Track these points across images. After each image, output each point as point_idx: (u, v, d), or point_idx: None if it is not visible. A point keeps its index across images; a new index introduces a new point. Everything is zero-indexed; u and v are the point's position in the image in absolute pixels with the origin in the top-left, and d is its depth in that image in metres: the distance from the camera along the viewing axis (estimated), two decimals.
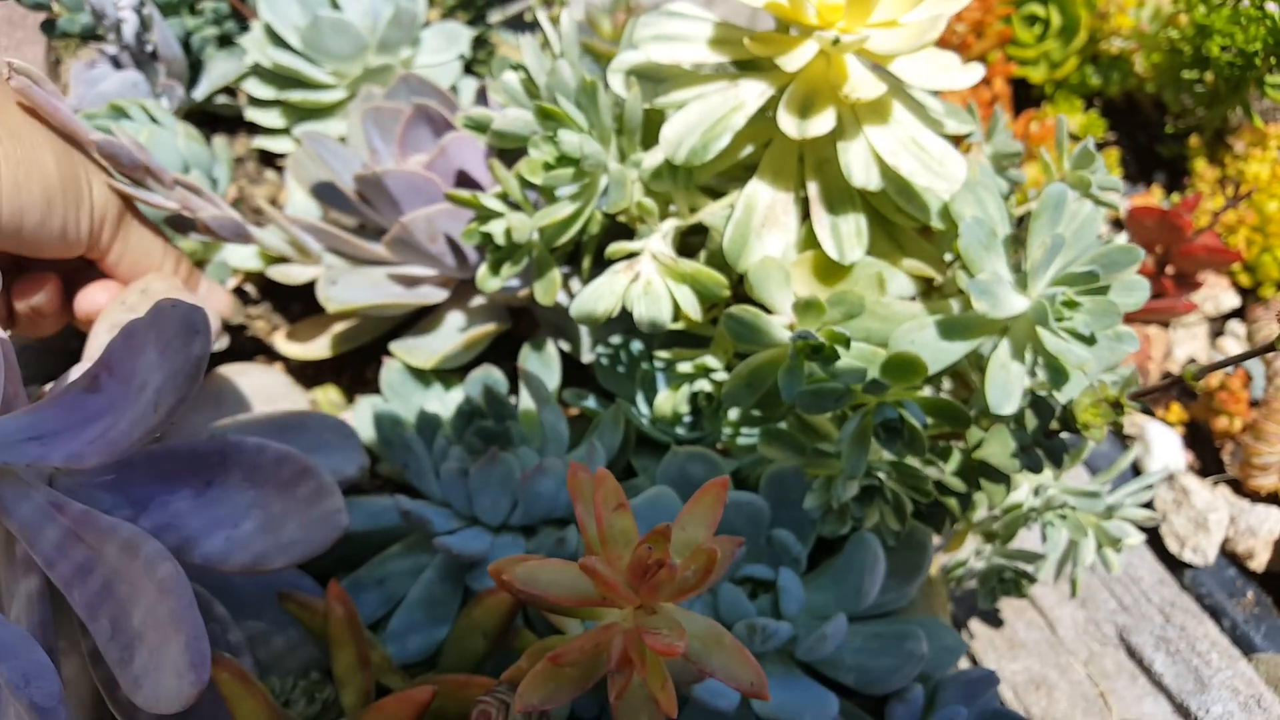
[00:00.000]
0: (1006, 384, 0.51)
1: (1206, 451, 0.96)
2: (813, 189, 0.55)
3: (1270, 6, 1.06)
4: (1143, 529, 0.82)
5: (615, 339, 0.68)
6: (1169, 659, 0.79)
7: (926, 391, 0.56)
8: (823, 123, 0.52)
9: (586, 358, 0.69)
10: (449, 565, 0.57)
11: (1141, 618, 0.81)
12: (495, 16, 1.00)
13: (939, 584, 0.64)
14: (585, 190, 0.58)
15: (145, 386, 0.42)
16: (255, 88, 0.85)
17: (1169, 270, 0.97)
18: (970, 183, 0.54)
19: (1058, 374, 0.52)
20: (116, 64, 0.81)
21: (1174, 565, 0.87)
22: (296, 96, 0.83)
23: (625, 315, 0.65)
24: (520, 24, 1.03)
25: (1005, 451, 0.55)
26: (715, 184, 0.60)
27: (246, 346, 0.75)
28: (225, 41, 0.90)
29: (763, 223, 0.55)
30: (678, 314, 0.56)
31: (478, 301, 0.70)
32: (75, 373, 0.50)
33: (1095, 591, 0.83)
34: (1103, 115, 1.18)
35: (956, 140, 0.60)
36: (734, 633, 0.52)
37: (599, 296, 0.56)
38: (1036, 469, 0.55)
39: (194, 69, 0.88)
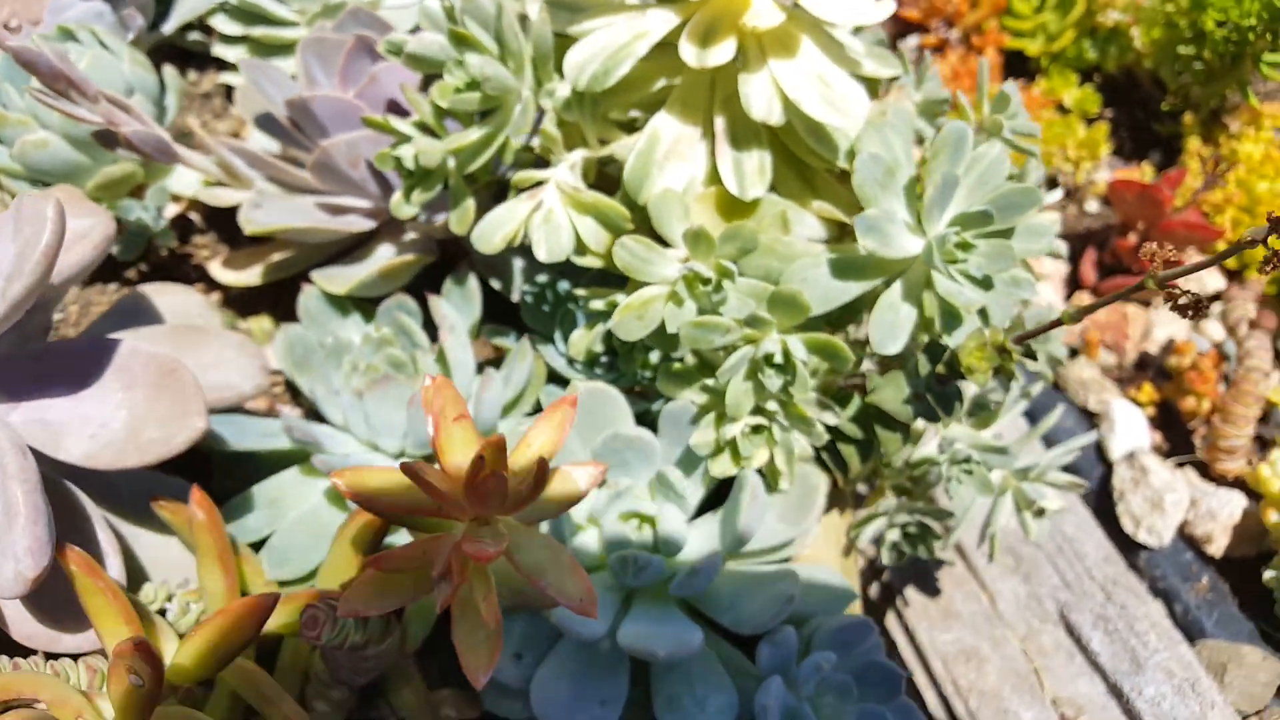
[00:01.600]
0: (894, 325, 0.50)
1: (1178, 433, 0.94)
2: (719, 123, 0.55)
3: None
4: (1096, 505, 0.80)
5: (542, 277, 0.68)
6: (1106, 638, 0.77)
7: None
8: (722, 52, 0.51)
9: (516, 296, 0.68)
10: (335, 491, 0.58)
11: (1083, 595, 0.80)
12: None
13: (840, 533, 0.63)
14: (498, 117, 0.57)
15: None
16: (223, 24, 0.85)
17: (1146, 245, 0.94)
18: (878, 123, 0.53)
19: (950, 318, 0.51)
20: None
21: (1127, 545, 0.85)
22: (260, 32, 0.83)
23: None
24: None
25: (898, 397, 0.54)
26: (631, 119, 0.60)
27: (190, 274, 0.76)
28: None
29: (666, 155, 0.54)
30: (580, 245, 0.56)
31: (410, 236, 0.70)
32: None
33: (1039, 566, 0.81)
34: (1100, 90, 1.15)
35: (876, 84, 0.58)
36: (609, 563, 0.52)
37: (499, 224, 0.55)
38: (930, 417, 0.54)
39: (164, 3, 0.88)
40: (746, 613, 0.51)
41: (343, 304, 0.65)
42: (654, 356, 0.62)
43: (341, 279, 0.64)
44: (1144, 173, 1.08)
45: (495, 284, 0.69)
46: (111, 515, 0.53)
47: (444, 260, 0.71)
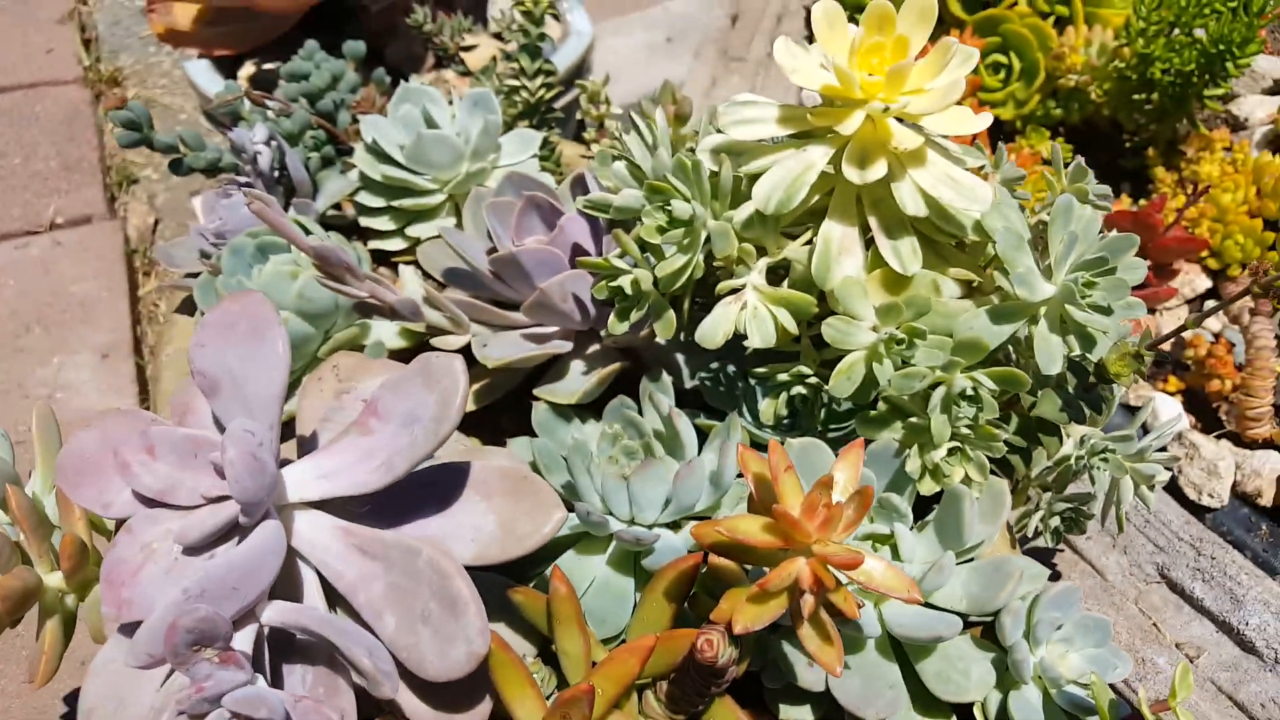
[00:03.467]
0: (1050, 351, 0.66)
1: (1204, 413, 1.11)
2: (873, 222, 0.70)
3: (1198, 32, 1.23)
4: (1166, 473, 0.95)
5: (714, 365, 0.82)
6: (1206, 585, 0.92)
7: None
8: (878, 170, 0.66)
9: (688, 384, 0.82)
10: (620, 557, 0.70)
11: (1177, 554, 0.95)
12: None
13: (1007, 532, 0.77)
14: (690, 245, 0.72)
15: (416, 420, 0.55)
16: (366, 198, 0.99)
17: (1148, 264, 1.12)
18: (995, 203, 0.69)
19: (1086, 340, 0.67)
20: None
21: (1195, 511, 1.00)
22: (408, 203, 0.97)
23: (718, 349, 0.81)
24: (567, 124, 1.18)
25: (1055, 407, 0.69)
26: (790, 230, 0.75)
27: None
28: (327, 163, 1.05)
29: (838, 252, 0.69)
30: (779, 331, 0.70)
31: (593, 349, 0.84)
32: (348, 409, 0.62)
33: (1133, 538, 0.96)
34: (1067, 140, 1.35)
35: (974, 172, 0.75)
36: None
37: (717, 324, 0.70)
38: (1080, 419, 0.69)
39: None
40: (984, 598, 0.65)
41: (565, 413, 0.79)
42: (822, 413, 0.77)
43: (565, 391, 0.78)
44: (1125, 202, 1.27)
45: (668, 378, 0.83)
46: None
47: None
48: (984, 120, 0.69)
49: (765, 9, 1.85)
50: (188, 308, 0.98)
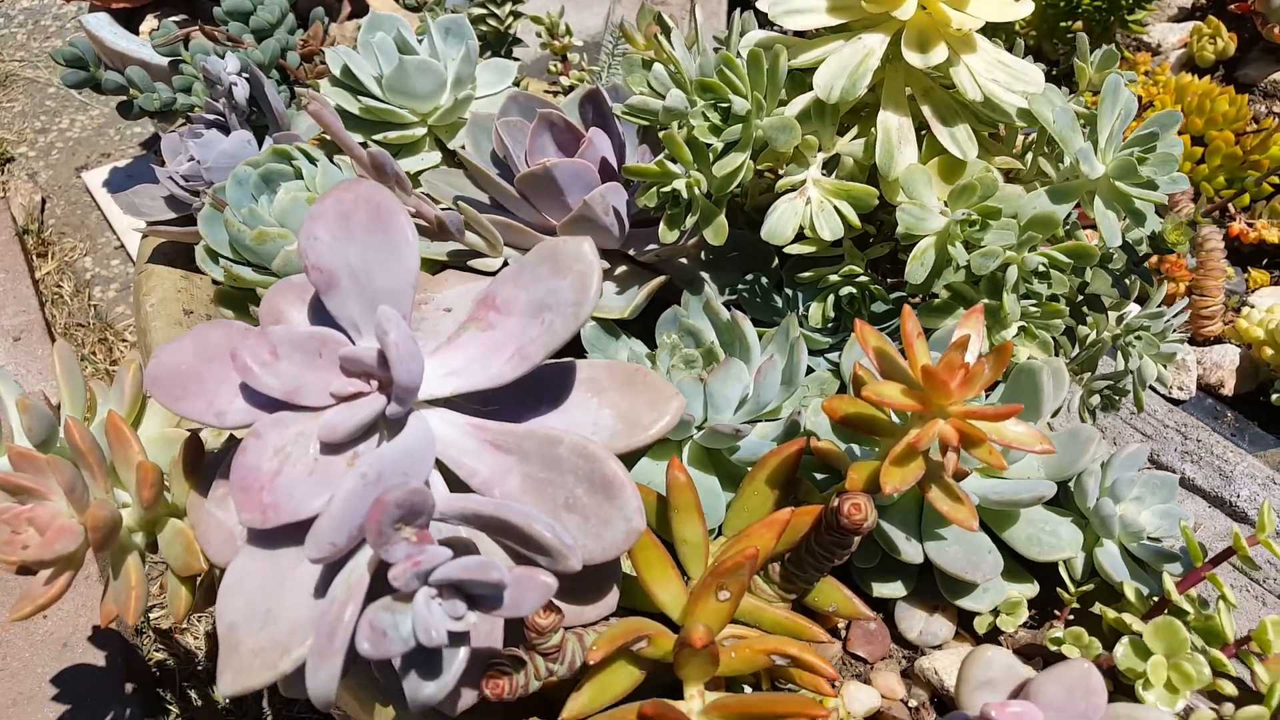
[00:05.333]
0: (1110, 225, 0.68)
1: None
2: (926, 110, 0.71)
3: None
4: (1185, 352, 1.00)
5: (748, 277, 0.82)
6: (1195, 466, 0.97)
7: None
8: (939, 54, 0.67)
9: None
10: (698, 457, 0.70)
11: (1165, 441, 1.00)
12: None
13: None
14: (744, 143, 0.71)
15: (546, 308, 0.52)
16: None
17: None
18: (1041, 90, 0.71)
19: (1137, 215, 0.69)
20: (223, 129, 0.89)
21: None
22: (391, 135, 0.92)
23: (740, 260, 0.81)
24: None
25: (1107, 283, 0.72)
26: (839, 125, 0.75)
27: None
28: (287, 103, 0.99)
29: (898, 141, 0.70)
30: (844, 223, 0.70)
31: (621, 269, 0.83)
32: (433, 320, 0.59)
33: (1121, 430, 1.01)
34: None
35: None
36: None
37: (784, 220, 0.69)
38: (1127, 295, 0.72)
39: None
40: (1065, 462, 0.67)
41: (613, 329, 0.77)
42: (866, 314, 0.78)
43: (614, 307, 0.76)
44: None
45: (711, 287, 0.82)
46: None
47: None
48: (1025, 6, 0.71)
49: None
50: (161, 256, 0.91)
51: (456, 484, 0.53)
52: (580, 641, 0.55)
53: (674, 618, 0.57)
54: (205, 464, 0.60)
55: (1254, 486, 0.95)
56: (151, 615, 1.23)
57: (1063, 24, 1.34)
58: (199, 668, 1.20)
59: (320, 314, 0.52)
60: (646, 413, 0.57)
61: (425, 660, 0.45)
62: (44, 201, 1.66)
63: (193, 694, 1.17)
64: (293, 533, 0.47)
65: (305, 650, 0.45)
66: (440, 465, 0.53)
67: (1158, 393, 1.08)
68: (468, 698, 0.52)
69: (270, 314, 0.53)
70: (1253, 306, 1.11)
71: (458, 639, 0.43)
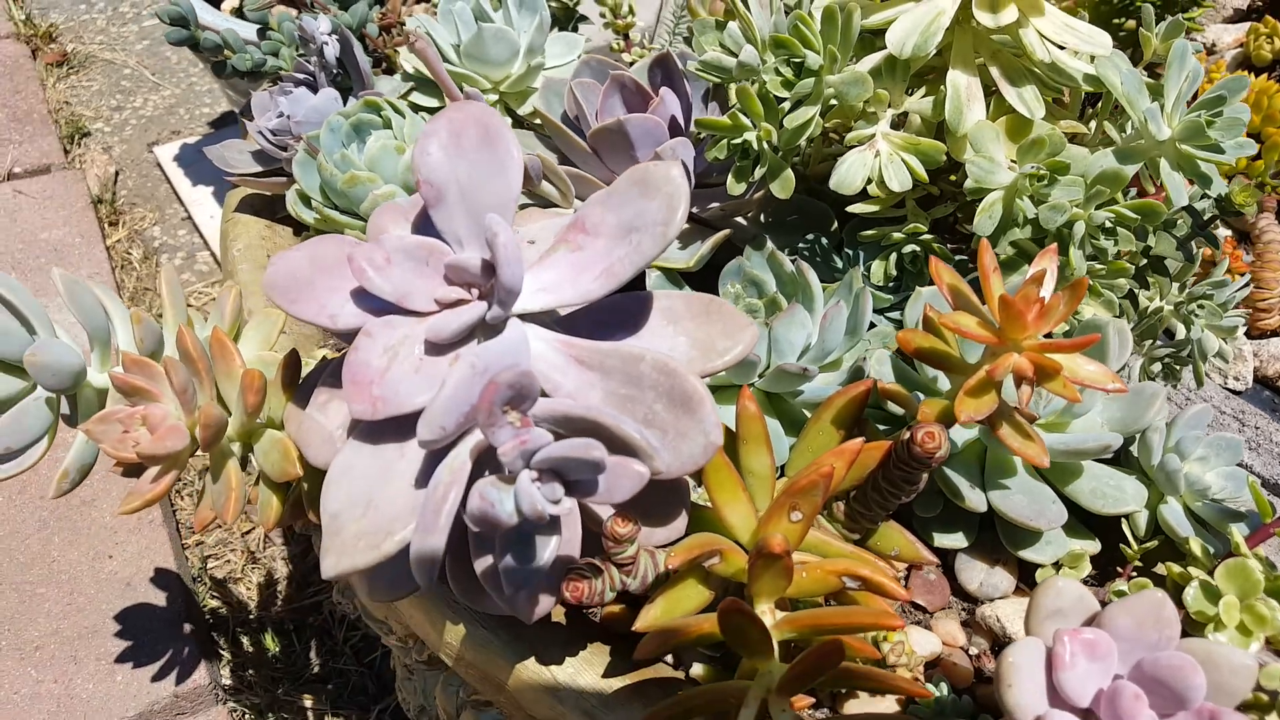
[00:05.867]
0: (1176, 186, 0.69)
1: None
2: (994, 72, 0.73)
3: None
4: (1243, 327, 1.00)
5: (809, 237, 0.84)
6: (1253, 453, 0.98)
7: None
8: (1009, 14, 0.69)
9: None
10: (761, 401, 0.71)
11: (1222, 428, 1.00)
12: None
13: None
14: (813, 99, 0.73)
15: (634, 229, 0.55)
16: (420, 99, 0.97)
17: None
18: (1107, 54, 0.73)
19: (1203, 178, 0.71)
20: (312, 87, 0.93)
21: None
22: None
23: (800, 224, 0.83)
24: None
25: (1171, 246, 0.73)
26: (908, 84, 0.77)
27: None
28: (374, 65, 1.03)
29: (967, 99, 0.72)
30: (912, 177, 0.72)
31: (687, 225, 0.85)
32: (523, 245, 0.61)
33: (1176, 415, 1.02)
34: None
35: None
36: None
37: (855, 170, 0.71)
38: (1191, 259, 0.73)
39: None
40: (1129, 419, 0.68)
41: (675, 278, 0.79)
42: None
43: (680, 259, 0.78)
44: None
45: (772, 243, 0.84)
46: None
47: None
48: None
49: None
50: (247, 207, 0.95)
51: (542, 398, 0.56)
52: (653, 559, 0.57)
53: (743, 541, 0.59)
54: (302, 381, 0.63)
55: None
56: (209, 564, 1.27)
57: (1117, 20, 1.35)
58: (250, 617, 1.23)
59: (425, 228, 0.54)
60: (721, 340, 0.59)
61: (522, 549, 0.48)
62: (117, 174, 1.72)
63: (244, 641, 1.21)
64: (396, 427, 0.50)
65: (408, 534, 0.47)
66: None
67: (1214, 380, 1.08)
68: (545, 603, 0.54)
69: (377, 231, 0.56)
70: None
71: (553, 524, 0.46)
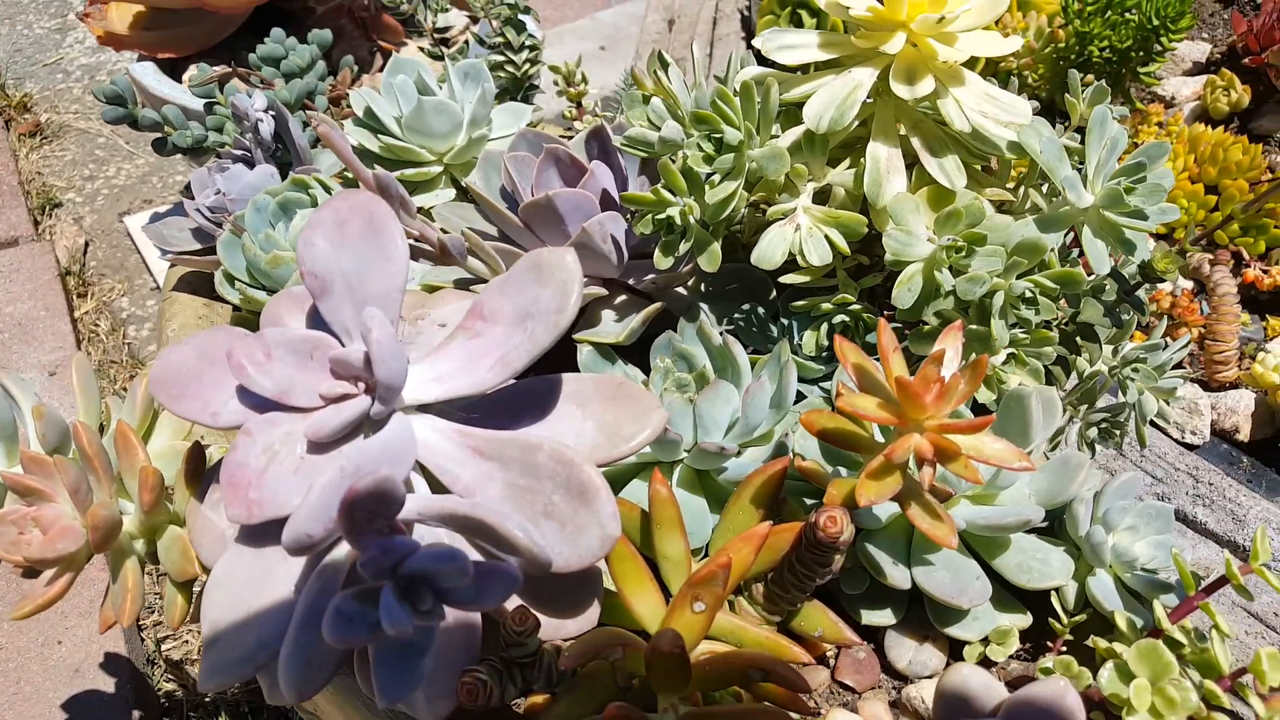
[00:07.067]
0: (1099, 253, 0.69)
1: None
2: (915, 142, 0.73)
3: (1130, 14, 1.32)
4: (1184, 388, 0.99)
5: (745, 307, 0.83)
6: (1207, 510, 0.96)
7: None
8: (925, 86, 0.69)
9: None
10: (688, 479, 0.70)
11: (1175, 484, 0.99)
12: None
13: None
14: (737, 172, 0.73)
15: (529, 316, 0.54)
16: None
17: None
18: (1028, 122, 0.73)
19: (1127, 244, 0.70)
20: (249, 163, 0.93)
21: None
22: (410, 173, 0.96)
23: (739, 292, 0.82)
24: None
25: (1099, 312, 0.72)
26: (831, 157, 0.77)
27: None
28: (312, 144, 1.03)
29: (887, 169, 0.72)
30: (834, 251, 0.72)
31: (621, 298, 0.85)
32: (428, 334, 0.61)
33: (1129, 472, 1.01)
34: None
35: None
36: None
37: (774, 245, 0.71)
38: (1120, 325, 0.73)
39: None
40: (1054, 491, 0.67)
41: (609, 354, 0.78)
42: (859, 343, 0.79)
43: (610, 333, 0.78)
44: None
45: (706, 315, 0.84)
46: None
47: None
48: (1013, 42, 0.73)
49: (699, 14, 1.90)
50: (186, 285, 0.95)
51: (441, 491, 0.55)
52: (558, 654, 0.56)
53: (652, 631, 0.58)
54: (205, 474, 0.62)
55: (1269, 531, 0.94)
56: (164, 646, 1.25)
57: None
58: (206, 699, 1.21)
59: (316, 320, 0.54)
60: (629, 424, 0.58)
61: (398, 658, 0.46)
62: (87, 244, 1.72)
63: None
64: (277, 530, 0.49)
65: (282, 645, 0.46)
66: (426, 472, 0.55)
67: (1170, 436, 1.07)
68: (443, 705, 0.52)
69: (271, 321, 0.56)
70: (1269, 352, 1.10)
71: (425, 633, 0.44)
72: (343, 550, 0.47)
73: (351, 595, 0.41)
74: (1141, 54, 1.32)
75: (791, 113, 0.76)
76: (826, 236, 0.72)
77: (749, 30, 1.84)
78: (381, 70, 1.54)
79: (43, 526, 0.55)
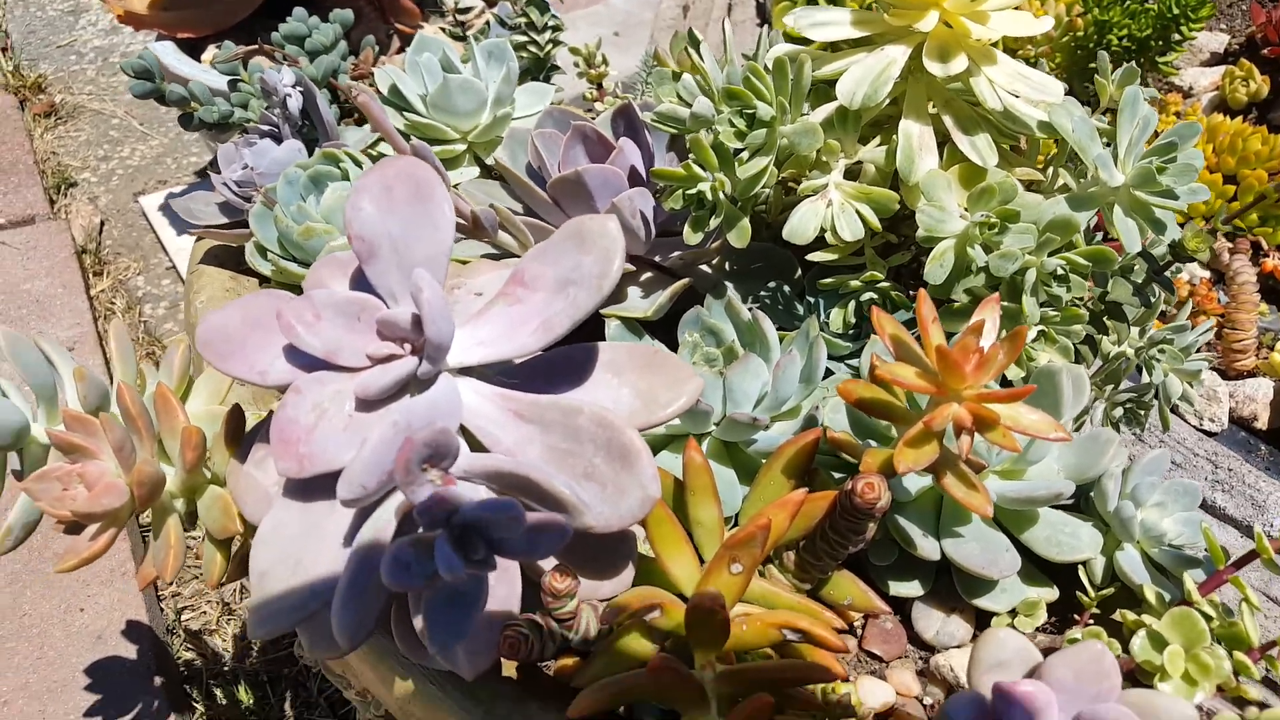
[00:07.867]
0: (1129, 232, 0.69)
1: None
2: (947, 120, 0.73)
3: (1150, 2, 1.32)
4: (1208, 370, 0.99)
5: (771, 285, 0.84)
6: (1226, 495, 0.97)
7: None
8: (959, 64, 0.70)
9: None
10: (716, 450, 0.71)
11: (1195, 470, 1.00)
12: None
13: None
14: (768, 148, 0.74)
15: (571, 283, 0.55)
16: (388, 149, 0.98)
17: None
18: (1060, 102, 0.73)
19: (1157, 224, 0.71)
20: (276, 139, 0.93)
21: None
22: (435, 150, 0.96)
23: (765, 270, 0.83)
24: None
25: (1127, 291, 0.73)
26: (861, 135, 0.77)
27: None
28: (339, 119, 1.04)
29: (919, 147, 0.72)
30: (865, 227, 0.72)
31: (646, 275, 0.85)
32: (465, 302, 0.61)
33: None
34: None
35: None
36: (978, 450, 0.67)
37: (806, 221, 0.71)
38: (1149, 305, 0.73)
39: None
40: (1085, 465, 0.67)
41: (636, 329, 0.79)
42: (899, 316, 0.79)
43: (640, 309, 0.78)
44: None
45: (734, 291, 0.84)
46: None
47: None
48: (1045, 22, 0.74)
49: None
50: (212, 259, 0.95)
51: (481, 452, 0.55)
52: (595, 612, 0.57)
53: (687, 593, 0.59)
54: (245, 436, 0.62)
55: None
56: (183, 616, 1.26)
57: (1091, 65, 1.36)
58: (225, 668, 1.22)
59: (361, 283, 0.54)
60: (664, 392, 0.59)
61: (449, 606, 0.47)
62: (102, 223, 1.73)
63: (218, 693, 1.20)
64: (325, 485, 0.49)
65: (333, 595, 0.47)
66: (467, 434, 0.55)
67: (1188, 423, 1.07)
68: (484, 659, 0.53)
69: (315, 284, 0.56)
70: None
71: (476, 583, 0.45)
72: (391, 504, 0.47)
73: (408, 543, 0.42)
74: (1160, 43, 1.32)
75: (820, 91, 0.76)
76: (858, 212, 0.72)
77: (764, 16, 1.84)
78: (400, 52, 1.54)
79: (88, 483, 0.55)
